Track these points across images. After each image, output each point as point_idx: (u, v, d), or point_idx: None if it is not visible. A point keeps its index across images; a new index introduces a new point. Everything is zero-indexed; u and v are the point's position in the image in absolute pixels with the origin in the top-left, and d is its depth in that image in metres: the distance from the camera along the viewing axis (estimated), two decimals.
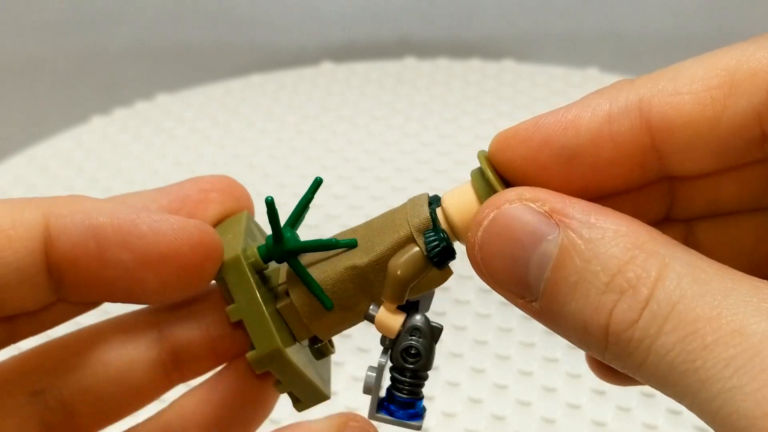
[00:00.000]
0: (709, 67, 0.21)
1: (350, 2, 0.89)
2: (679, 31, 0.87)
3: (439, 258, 0.23)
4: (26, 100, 0.89)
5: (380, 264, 0.24)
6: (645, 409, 0.45)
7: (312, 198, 0.26)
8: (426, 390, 0.47)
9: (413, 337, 0.24)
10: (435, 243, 0.23)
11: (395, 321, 0.24)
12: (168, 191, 0.26)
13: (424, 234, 0.24)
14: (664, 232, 0.21)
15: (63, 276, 0.24)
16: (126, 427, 0.27)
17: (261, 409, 0.27)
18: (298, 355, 0.25)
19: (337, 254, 0.25)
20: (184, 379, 0.28)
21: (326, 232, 0.59)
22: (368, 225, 0.25)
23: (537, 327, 0.50)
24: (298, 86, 0.79)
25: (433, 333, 0.24)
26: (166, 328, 0.27)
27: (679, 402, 0.19)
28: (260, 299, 0.24)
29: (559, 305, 0.21)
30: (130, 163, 0.69)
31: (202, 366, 0.27)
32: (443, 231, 0.24)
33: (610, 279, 0.20)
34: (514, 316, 0.50)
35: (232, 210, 0.27)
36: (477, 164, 0.24)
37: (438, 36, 0.91)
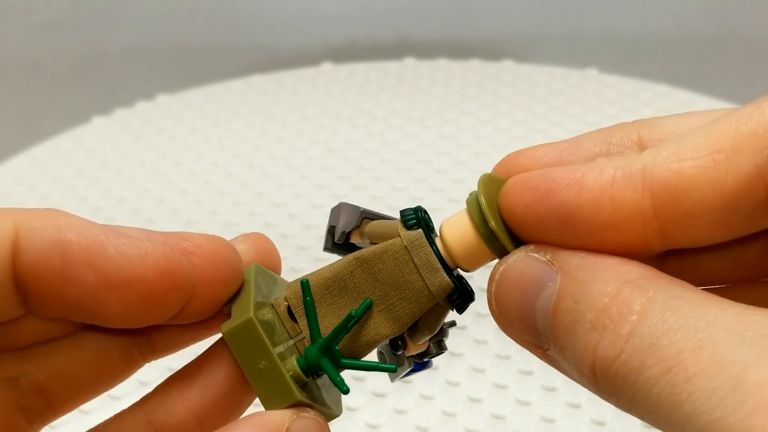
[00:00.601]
0: (709, 134, 0.21)
1: (350, 2, 0.89)
2: (679, 31, 0.87)
3: (463, 307, 0.25)
4: (27, 100, 0.89)
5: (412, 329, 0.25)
6: None
7: (361, 317, 0.25)
8: (426, 390, 0.47)
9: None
10: (459, 301, 0.25)
11: (425, 345, 0.27)
12: (146, 235, 0.25)
13: (450, 298, 0.25)
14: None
15: (28, 289, 0.24)
16: (107, 409, 0.27)
17: (240, 405, 0.27)
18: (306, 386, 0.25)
19: (360, 323, 0.25)
20: (157, 357, 0.27)
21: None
22: (368, 270, 0.25)
23: None
24: (298, 87, 0.79)
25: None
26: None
27: None
28: (277, 361, 0.24)
29: (560, 349, 0.21)
30: (131, 164, 0.69)
31: (177, 345, 0.27)
32: (461, 285, 0.25)
33: (594, 316, 0.20)
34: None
35: (219, 277, 0.26)
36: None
37: (438, 36, 0.91)
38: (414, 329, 0.25)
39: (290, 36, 0.90)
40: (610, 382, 0.20)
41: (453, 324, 0.26)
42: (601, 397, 0.21)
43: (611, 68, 0.78)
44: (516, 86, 0.77)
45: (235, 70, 0.83)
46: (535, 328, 0.22)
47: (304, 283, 0.25)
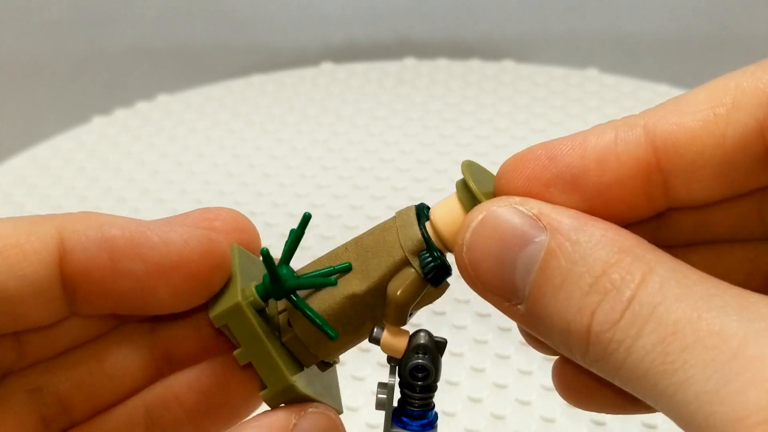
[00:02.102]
0: (710, 90, 0.22)
1: (350, 2, 0.89)
2: (678, 31, 0.87)
3: (435, 277, 0.24)
4: (27, 100, 0.90)
5: (378, 289, 0.24)
6: None
7: (302, 234, 0.26)
8: None
9: (419, 355, 0.24)
10: (430, 263, 0.24)
11: (400, 342, 0.25)
12: (174, 220, 0.27)
13: (420, 256, 0.24)
14: None
15: (77, 289, 0.25)
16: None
17: (245, 405, 0.27)
18: (304, 377, 0.25)
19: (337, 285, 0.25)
20: (174, 372, 0.28)
21: (327, 232, 0.60)
22: (359, 244, 0.25)
23: None
24: (298, 87, 0.79)
25: (439, 347, 0.25)
26: (158, 326, 0.28)
27: (654, 406, 0.19)
28: (266, 342, 0.24)
29: (543, 307, 0.21)
30: (131, 164, 0.69)
31: (193, 362, 0.28)
32: (437, 249, 0.24)
33: (594, 280, 0.20)
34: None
35: (237, 241, 0.27)
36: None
37: (438, 36, 0.91)
38: (387, 303, 0.24)
39: (290, 36, 0.90)
40: (603, 346, 0.20)
41: (444, 343, 0.25)
42: (583, 361, 0.21)
43: (611, 68, 0.78)
44: (516, 86, 0.77)
45: (235, 70, 0.83)
46: (511, 283, 0.21)
47: (264, 252, 0.25)
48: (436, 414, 0.25)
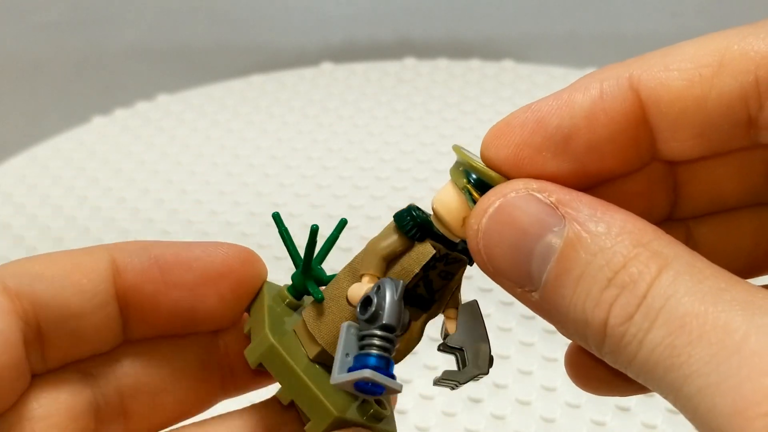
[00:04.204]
0: (700, 47, 0.21)
1: (350, 2, 0.89)
2: (678, 31, 0.87)
3: (411, 229, 0.24)
4: (27, 100, 0.89)
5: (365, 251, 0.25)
6: (644, 409, 0.45)
7: (338, 237, 0.27)
8: (425, 389, 0.47)
9: (372, 290, 0.24)
10: (407, 218, 0.24)
11: (362, 288, 0.24)
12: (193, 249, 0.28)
13: (394, 215, 0.24)
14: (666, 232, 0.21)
15: (131, 304, 0.26)
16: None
17: None
18: (354, 408, 0.25)
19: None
20: (230, 391, 0.29)
21: (327, 232, 0.59)
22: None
23: (536, 327, 0.50)
24: (298, 86, 0.79)
25: (418, 300, 0.24)
26: (221, 337, 0.29)
27: (665, 398, 0.19)
28: (304, 377, 0.24)
29: (560, 297, 0.21)
30: (131, 164, 0.69)
31: (250, 381, 0.29)
32: (419, 212, 0.24)
33: (613, 275, 0.20)
34: (513, 315, 0.50)
35: (248, 273, 0.29)
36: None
37: (438, 36, 0.91)
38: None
39: (290, 36, 0.90)
40: (617, 339, 0.20)
41: (425, 303, 0.25)
42: (598, 352, 0.21)
43: None
44: (516, 86, 0.77)
45: (235, 70, 0.83)
46: (526, 271, 0.21)
47: (275, 216, 0.25)
48: (377, 365, 0.23)
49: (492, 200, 0.22)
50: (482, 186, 0.23)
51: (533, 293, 0.21)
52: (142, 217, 0.63)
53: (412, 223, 0.24)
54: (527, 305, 0.22)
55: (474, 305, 0.24)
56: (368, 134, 0.71)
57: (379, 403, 0.26)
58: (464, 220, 0.23)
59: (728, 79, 0.21)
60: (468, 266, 0.25)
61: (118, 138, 0.73)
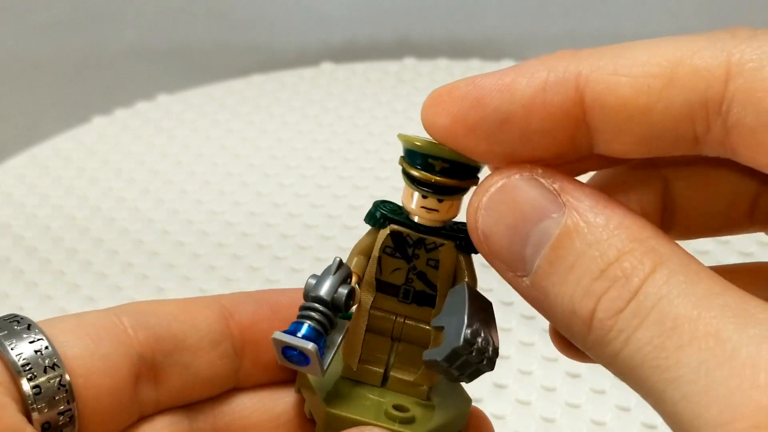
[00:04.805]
0: (653, 54, 0.21)
1: (350, 2, 0.89)
2: (679, 31, 0.87)
3: (371, 219, 0.25)
4: (27, 100, 0.89)
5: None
6: (644, 409, 0.45)
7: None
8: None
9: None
10: (369, 211, 0.26)
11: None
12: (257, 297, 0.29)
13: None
14: (643, 182, 0.22)
15: (245, 344, 0.27)
16: None
17: None
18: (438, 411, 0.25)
19: None
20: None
21: (327, 232, 0.60)
22: None
23: (537, 327, 0.50)
24: (298, 86, 0.79)
25: (333, 265, 0.25)
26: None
27: (644, 399, 0.19)
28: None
29: (550, 284, 0.21)
30: (131, 164, 0.69)
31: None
32: (390, 204, 0.26)
33: (606, 266, 0.20)
34: (513, 315, 0.50)
35: None
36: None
37: (438, 36, 0.91)
38: None
39: (290, 36, 0.90)
40: (604, 332, 0.20)
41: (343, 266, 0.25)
42: (582, 344, 0.21)
43: None
44: None
45: (235, 70, 0.83)
46: (520, 253, 0.21)
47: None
48: (302, 330, 0.24)
49: (495, 180, 0.22)
50: (410, 155, 0.24)
51: (525, 278, 0.21)
52: (142, 217, 0.63)
53: (371, 212, 0.25)
54: (517, 290, 0.22)
55: (461, 288, 0.24)
56: (368, 134, 0.71)
57: None
58: (411, 196, 0.24)
59: (677, 95, 0.20)
60: (467, 253, 0.25)
61: (118, 138, 0.73)
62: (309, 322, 0.24)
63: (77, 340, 0.24)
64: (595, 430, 0.44)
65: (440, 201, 0.24)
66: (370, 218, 0.26)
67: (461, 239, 0.25)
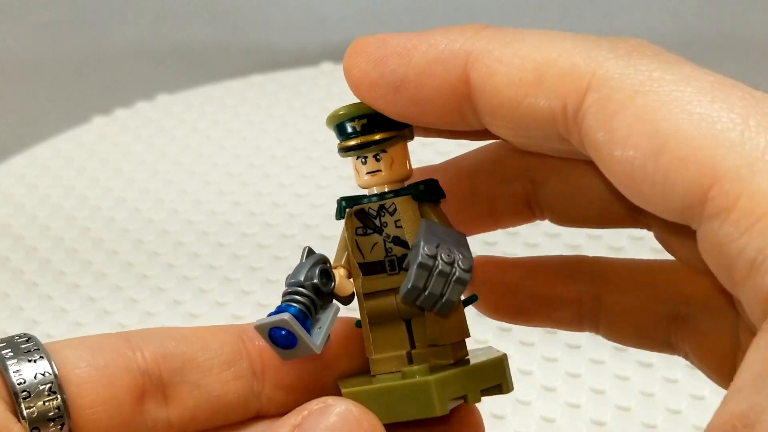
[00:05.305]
0: (535, 48, 0.21)
1: (350, 2, 0.89)
2: (679, 31, 0.87)
3: (337, 212, 0.27)
4: (26, 100, 0.89)
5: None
6: (644, 409, 0.45)
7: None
8: None
9: None
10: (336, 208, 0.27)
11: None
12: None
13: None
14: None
15: (265, 366, 0.26)
16: None
17: None
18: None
19: None
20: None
21: (326, 232, 0.60)
22: None
23: (537, 327, 0.50)
24: (298, 86, 0.79)
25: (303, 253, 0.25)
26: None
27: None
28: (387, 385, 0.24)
29: None
30: (131, 164, 0.69)
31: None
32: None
33: None
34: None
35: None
36: None
37: None
38: None
39: (290, 36, 0.90)
40: None
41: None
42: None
43: None
44: None
45: (235, 70, 0.83)
46: None
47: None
48: (296, 314, 0.24)
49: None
50: (337, 130, 0.27)
51: None
52: (142, 217, 0.63)
53: (336, 209, 0.26)
54: None
55: (420, 225, 0.25)
56: None
57: None
58: (357, 171, 0.26)
59: (541, 95, 0.21)
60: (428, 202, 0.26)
61: (118, 138, 0.73)
62: (290, 304, 0.24)
63: (75, 353, 0.24)
64: (595, 430, 0.44)
65: (378, 160, 0.26)
66: (336, 213, 0.26)
67: (419, 190, 0.26)
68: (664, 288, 0.26)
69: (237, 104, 0.77)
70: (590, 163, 0.21)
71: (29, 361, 0.24)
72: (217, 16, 0.90)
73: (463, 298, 0.25)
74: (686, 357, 0.26)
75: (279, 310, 0.24)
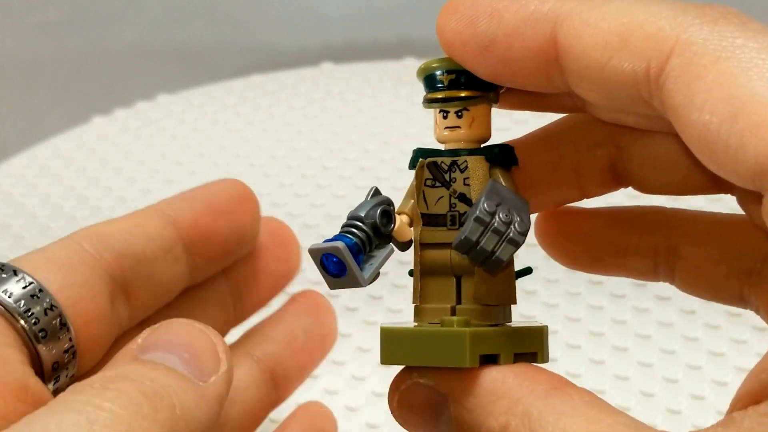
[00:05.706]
0: (621, 11, 0.22)
1: (350, 2, 0.89)
2: None
3: (411, 161, 0.27)
4: (26, 100, 0.89)
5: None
6: (645, 409, 0.45)
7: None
8: None
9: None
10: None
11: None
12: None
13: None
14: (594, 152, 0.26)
15: (194, 242, 0.30)
16: None
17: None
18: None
19: None
20: (281, 399, 0.33)
21: (326, 232, 0.59)
22: None
23: None
24: (298, 86, 0.79)
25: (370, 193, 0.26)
26: (257, 349, 0.32)
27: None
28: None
29: None
30: (131, 163, 0.69)
31: (293, 382, 0.33)
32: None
33: None
34: (514, 315, 0.50)
35: (240, 210, 0.33)
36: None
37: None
38: None
39: (290, 36, 0.90)
40: None
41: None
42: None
43: None
44: None
45: (235, 70, 0.83)
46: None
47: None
48: (349, 244, 0.25)
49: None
50: (425, 82, 0.27)
51: None
52: None
53: (412, 156, 0.27)
54: None
55: (486, 185, 0.25)
56: (368, 134, 0.71)
57: None
58: (437, 123, 0.27)
59: (625, 58, 0.21)
60: (502, 168, 0.26)
61: (118, 138, 0.73)
62: (346, 235, 0.25)
63: (54, 274, 0.26)
64: None
65: (459, 116, 0.26)
66: (410, 162, 0.27)
67: (493, 153, 0.26)
68: (740, 243, 0.27)
69: (237, 104, 0.77)
70: (673, 134, 0.22)
71: (19, 286, 0.25)
72: (217, 16, 0.90)
73: (516, 269, 0.26)
74: (757, 312, 0.26)
75: (335, 238, 0.24)
